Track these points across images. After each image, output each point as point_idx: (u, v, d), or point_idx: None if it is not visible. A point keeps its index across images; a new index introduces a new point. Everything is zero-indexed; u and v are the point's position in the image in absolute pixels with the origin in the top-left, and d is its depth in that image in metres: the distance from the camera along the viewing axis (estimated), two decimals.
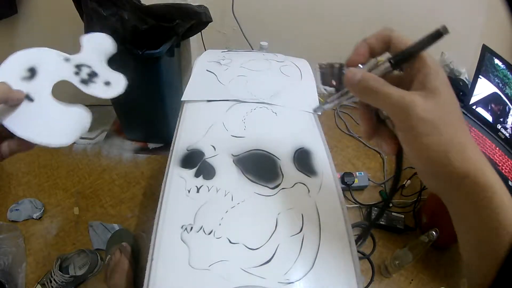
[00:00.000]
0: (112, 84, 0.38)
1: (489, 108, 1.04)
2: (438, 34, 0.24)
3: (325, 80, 0.32)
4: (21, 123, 0.32)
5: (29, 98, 0.33)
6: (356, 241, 0.45)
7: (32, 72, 0.35)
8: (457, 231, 0.27)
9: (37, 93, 0.34)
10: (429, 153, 0.24)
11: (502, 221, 0.23)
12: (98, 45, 0.41)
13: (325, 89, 0.33)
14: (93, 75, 0.38)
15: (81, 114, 0.35)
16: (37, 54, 0.37)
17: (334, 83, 0.31)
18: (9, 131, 0.32)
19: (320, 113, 0.35)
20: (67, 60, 0.38)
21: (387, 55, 0.29)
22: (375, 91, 0.26)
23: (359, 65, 0.29)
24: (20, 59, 0.35)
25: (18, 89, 0.33)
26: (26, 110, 0.33)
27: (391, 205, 1.10)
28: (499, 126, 1.00)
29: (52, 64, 0.37)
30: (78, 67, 0.38)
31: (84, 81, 0.37)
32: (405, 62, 0.27)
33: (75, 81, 0.37)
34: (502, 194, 0.23)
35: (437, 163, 0.24)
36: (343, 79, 0.30)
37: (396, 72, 0.28)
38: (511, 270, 0.22)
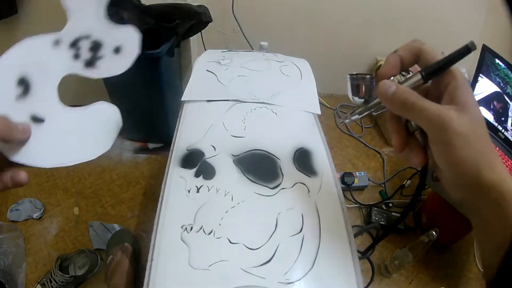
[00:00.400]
0: (124, 48, 0.30)
1: (491, 107, 1.04)
2: (467, 50, 0.26)
3: (355, 91, 0.32)
4: (40, 154, 0.25)
5: (36, 119, 0.26)
6: (366, 251, 0.45)
7: (24, 84, 0.27)
8: (478, 240, 0.28)
9: (43, 108, 0.26)
10: (462, 165, 0.25)
11: None
12: None
13: (353, 99, 0.33)
14: (96, 47, 0.29)
15: (106, 111, 0.29)
16: (17, 58, 0.28)
17: (364, 94, 0.31)
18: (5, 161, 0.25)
19: (347, 122, 0.36)
20: (56, 43, 0.29)
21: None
22: (410, 105, 0.26)
23: (391, 77, 0.29)
24: (3, 74, 0.27)
25: (22, 124, 0.25)
26: (40, 136, 0.26)
27: (391, 204, 1.10)
28: (499, 126, 1.00)
29: (42, 61, 0.28)
30: (75, 45, 0.29)
31: (89, 63, 0.28)
32: (436, 75, 0.27)
33: (79, 69, 0.28)
34: None
35: (468, 174, 0.25)
36: (373, 91, 0.31)
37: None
38: (511, 268, 0.23)
